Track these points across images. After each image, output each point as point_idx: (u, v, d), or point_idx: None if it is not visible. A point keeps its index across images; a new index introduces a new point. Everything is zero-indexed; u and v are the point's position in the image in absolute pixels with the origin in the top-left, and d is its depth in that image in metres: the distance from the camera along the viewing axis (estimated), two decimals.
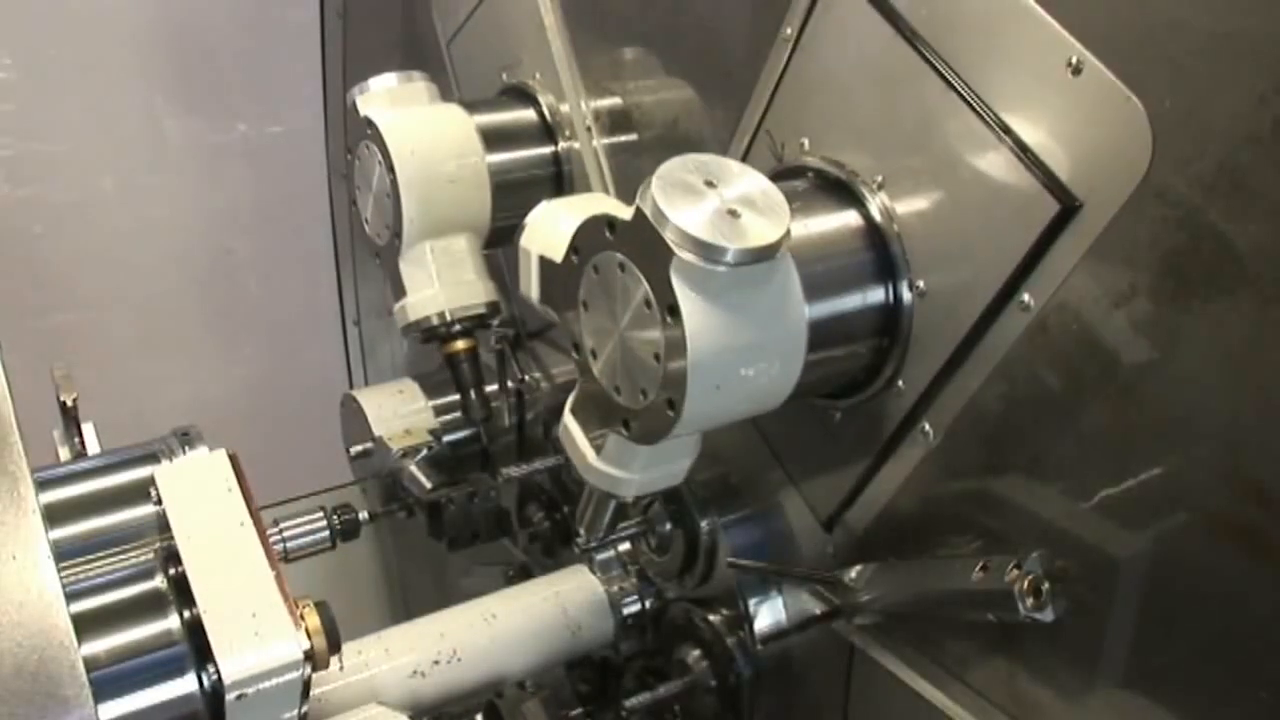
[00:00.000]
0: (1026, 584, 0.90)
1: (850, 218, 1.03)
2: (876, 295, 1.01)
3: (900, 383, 1.03)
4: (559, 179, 1.39)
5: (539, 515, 1.55)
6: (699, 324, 0.87)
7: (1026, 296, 0.91)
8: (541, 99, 1.39)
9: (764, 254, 0.86)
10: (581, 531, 1.09)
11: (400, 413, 1.57)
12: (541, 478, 1.53)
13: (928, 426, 1.00)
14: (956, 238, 0.95)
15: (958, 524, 1.00)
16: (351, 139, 1.41)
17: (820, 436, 1.13)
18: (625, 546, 1.36)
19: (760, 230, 0.86)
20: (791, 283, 0.91)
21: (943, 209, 0.96)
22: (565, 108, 1.37)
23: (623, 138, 1.31)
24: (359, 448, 1.56)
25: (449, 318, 1.37)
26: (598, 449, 1.01)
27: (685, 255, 0.85)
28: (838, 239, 1.01)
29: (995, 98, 0.91)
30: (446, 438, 1.57)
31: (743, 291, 0.88)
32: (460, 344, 1.39)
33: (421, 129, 1.35)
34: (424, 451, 1.50)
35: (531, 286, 1.04)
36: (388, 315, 1.64)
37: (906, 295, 1.00)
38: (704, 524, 1.25)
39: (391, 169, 1.32)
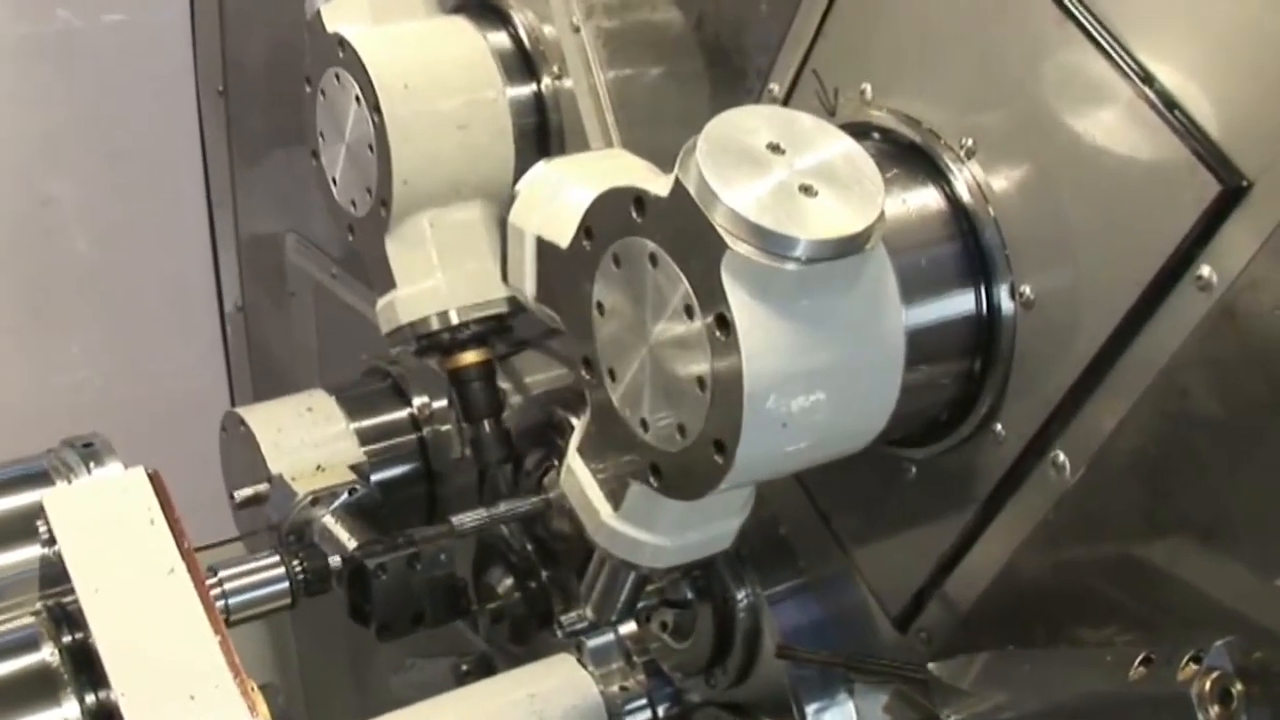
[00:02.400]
0: (1209, 685, 0.88)
1: (928, 197, 1.07)
2: (964, 304, 1.06)
3: (999, 426, 1.07)
4: (541, 132, 1.42)
5: (507, 584, 1.57)
6: (760, 340, 0.91)
7: (1184, 298, 0.94)
8: (518, 18, 1.43)
9: (850, 246, 0.90)
10: (589, 612, 1.13)
11: (309, 440, 1.60)
12: (511, 530, 1.56)
13: (1061, 457, 1.04)
14: (1077, 227, 1.00)
15: (1104, 599, 1.04)
16: (310, 64, 1.42)
17: (889, 498, 1.17)
18: (629, 627, 1.40)
19: (844, 213, 0.90)
20: (885, 284, 0.95)
21: (1056, 187, 1.01)
22: (550, 31, 1.40)
23: (632, 70, 1.35)
24: (246, 491, 1.59)
25: (456, 319, 1.39)
26: (615, 502, 1.05)
27: (742, 248, 0.89)
28: (912, 227, 1.06)
29: (1134, 35, 0.94)
30: (376, 476, 1.61)
31: (820, 297, 0.92)
32: (471, 356, 1.42)
33: (418, 53, 1.36)
34: (343, 497, 1.53)
35: (525, 278, 1.07)
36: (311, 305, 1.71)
37: (1007, 304, 1.05)
38: (741, 595, 1.29)
39: (376, 109, 1.33)
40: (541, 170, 1.09)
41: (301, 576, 1.37)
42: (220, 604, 1.33)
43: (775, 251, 0.89)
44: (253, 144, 2.18)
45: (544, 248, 1.05)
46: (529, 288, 1.08)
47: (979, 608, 1.13)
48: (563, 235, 1.03)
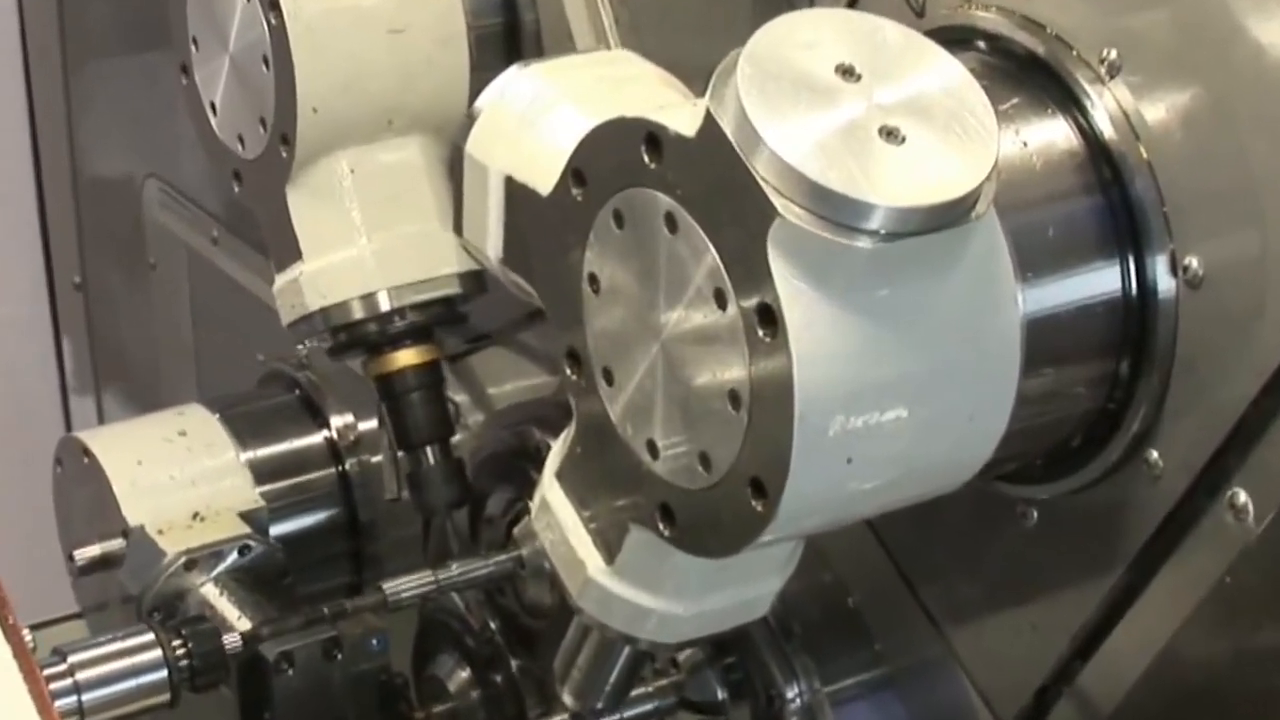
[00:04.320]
0: None
1: (1055, 134, 1.08)
2: (1106, 283, 1.08)
3: (1154, 454, 1.09)
4: (509, 39, 1.45)
5: (460, 679, 1.59)
6: (818, 341, 0.92)
7: None
8: None
9: (950, 214, 0.91)
10: (567, 697, 1.16)
11: (181, 477, 1.61)
12: (467, 602, 1.57)
13: (1242, 497, 1.05)
14: (1264, 175, 1.01)
15: None
16: None
17: (1000, 555, 1.19)
18: None
19: (943, 168, 0.91)
20: (996, 263, 0.96)
21: (1235, 119, 1.02)
22: None
23: None
24: (91, 550, 1.59)
25: (387, 304, 1.42)
26: (608, 551, 1.07)
27: (796, 214, 0.90)
28: (1033, 177, 1.07)
29: None
30: (278, 528, 1.62)
31: (904, 283, 0.93)
32: (408, 356, 1.44)
33: None
34: (231, 558, 1.54)
35: (487, 232, 1.10)
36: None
37: (1165, 282, 1.07)
38: (794, 693, 1.33)
39: (274, 6, 1.36)
40: (514, 80, 1.11)
41: (186, 662, 1.38)
42: (68, 702, 1.33)
43: (843, 222, 0.90)
44: (96, 50, 2.20)
45: (516, 192, 1.07)
46: (492, 246, 1.10)
47: (1128, 710, 1.15)
48: (543, 177, 1.05)
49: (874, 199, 0.89)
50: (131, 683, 1.36)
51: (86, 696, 1.35)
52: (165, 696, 1.37)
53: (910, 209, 0.90)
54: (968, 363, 0.96)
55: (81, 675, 1.35)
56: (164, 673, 1.36)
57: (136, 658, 1.37)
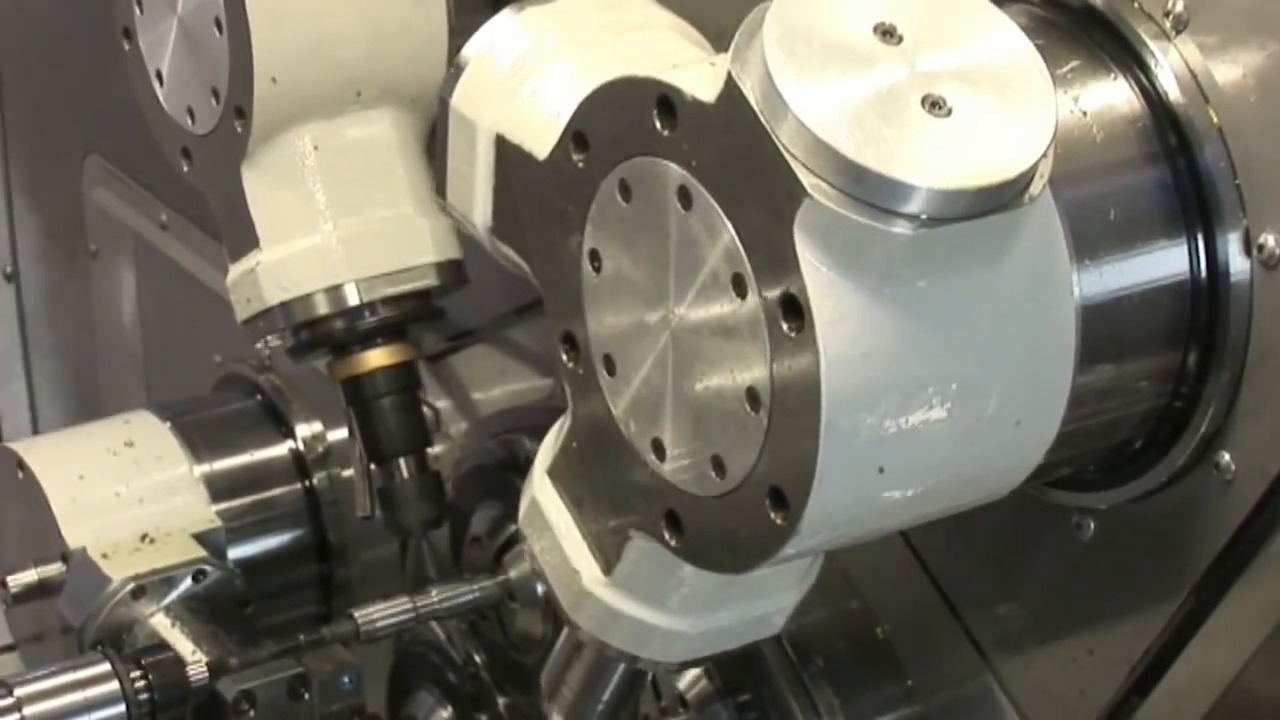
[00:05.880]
0: None
1: (1115, 97, 1.08)
2: (1171, 264, 1.08)
3: (1226, 456, 1.09)
4: None
5: (441, 719, 1.60)
6: (850, 337, 0.92)
7: None
8: None
9: (1000, 197, 0.90)
10: (556, 717, 1.17)
11: (128, 494, 1.62)
12: (449, 634, 1.58)
13: None
14: None
15: None
16: None
17: (1052, 572, 1.19)
18: None
19: (994, 143, 0.90)
20: (1050, 248, 0.96)
21: None
22: None
23: None
24: (25, 575, 1.60)
25: (356, 298, 1.42)
26: (606, 560, 1.07)
27: (827, 194, 0.90)
28: (1091, 147, 1.07)
29: None
30: (236, 551, 1.63)
31: (947, 274, 0.93)
32: (379, 356, 1.44)
33: None
34: (184, 585, 1.54)
35: (474, 198, 1.10)
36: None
37: (1238, 263, 1.07)
38: None
39: None
40: (506, 27, 1.11)
41: (145, 695, 1.38)
42: None
43: (879, 204, 0.90)
44: (27, 7, 2.19)
45: (508, 154, 1.07)
46: (479, 213, 1.10)
47: None
48: (539, 138, 1.04)
49: (914, 179, 0.89)
50: (85, 718, 1.37)
51: None
52: None
53: (955, 191, 0.89)
54: (1016, 361, 0.96)
55: (30, 710, 1.36)
56: (121, 707, 1.37)
57: (90, 690, 1.38)
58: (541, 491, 1.10)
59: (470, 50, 1.13)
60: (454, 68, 1.13)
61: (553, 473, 1.10)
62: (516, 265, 1.11)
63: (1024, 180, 0.91)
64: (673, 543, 1.02)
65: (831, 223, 0.90)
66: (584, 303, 1.04)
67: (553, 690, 1.19)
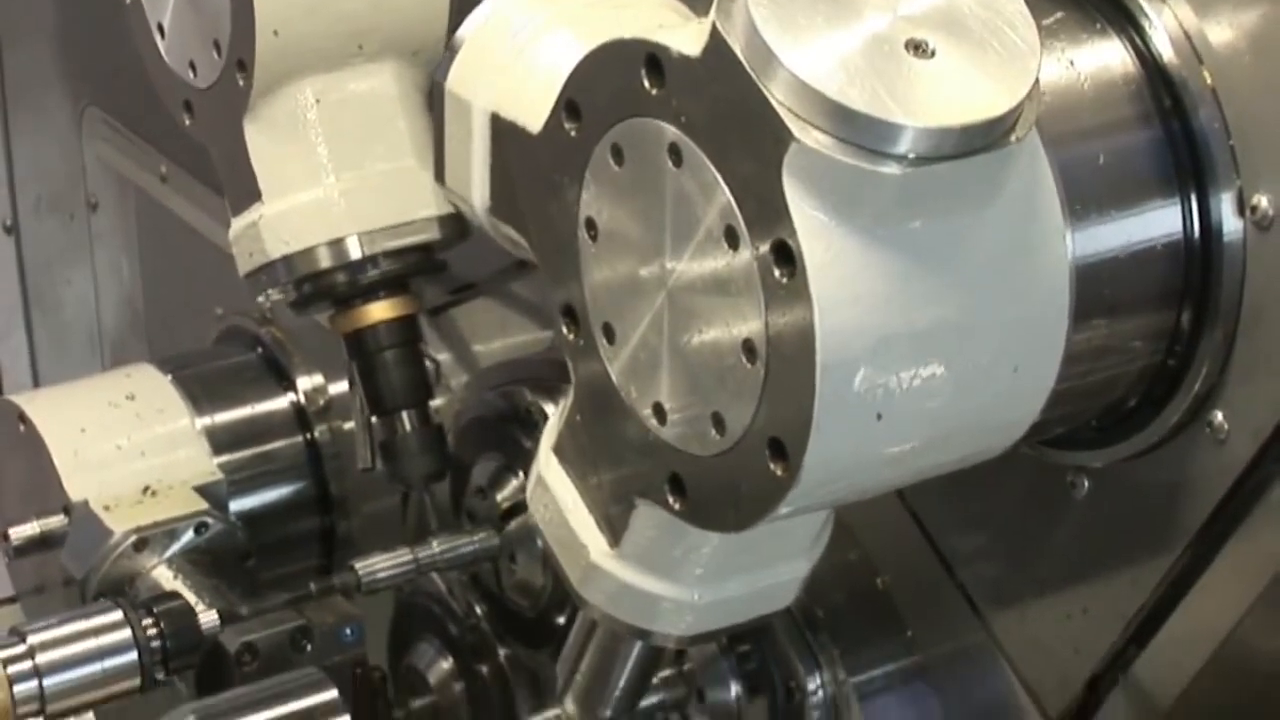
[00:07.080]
0: None
1: (1108, 55, 1.09)
2: (1165, 223, 1.09)
3: (1219, 415, 1.10)
4: None
5: (442, 670, 1.60)
6: (842, 283, 0.93)
7: None
8: None
9: (985, 136, 0.91)
10: (569, 705, 1.17)
11: (130, 446, 1.63)
12: (450, 585, 1.59)
13: None
14: None
15: None
16: None
17: (1048, 530, 1.19)
18: None
19: (978, 85, 0.91)
20: (1040, 196, 0.97)
21: None
22: None
23: None
24: (28, 528, 1.61)
25: (358, 252, 1.42)
26: (613, 534, 1.09)
27: (816, 138, 0.91)
28: (1083, 103, 1.07)
29: None
30: (238, 503, 1.64)
31: (938, 216, 0.94)
32: (381, 309, 1.44)
33: None
34: (186, 537, 1.55)
35: (472, 179, 1.11)
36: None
37: (1231, 223, 1.08)
38: (815, 685, 1.34)
39: None
40: (498, 5, 1.12)
41: (158, 643, 1.39)
42: (28, 688, 1.34)
43: (867, 146, 0.90)
44: None
45: (503, 132, 1.08)
46: (478, 194, 1.11)
47: (1189, 703, 1.16)
48: (533, 113, 1.06)
49: (901, 119, 0.90)
50: (98, 666, 1.37)
51: (49, 681, 1.36)
52: (135, 681, 1.38)
53: (942, 129, 0.90)
54: (1011, 304, 0.97)
55: (43, 658, 1.36)
56: (134, 654, 1.37)
57: (104, 638, 1.38)
58: (548, 470, 1.12)
59: (464, 31, 1.14)
60: (448, 50, 1.14)
61: (558, 449, 1.11)
62: (516, 244, 1.12)
63: (1010, 120, 0.92)
64: (677, 506, 1.03)
65: (820, 167, 0.91)
66: (582, 272, 1.05)
67: (566, 680, 1.20)
